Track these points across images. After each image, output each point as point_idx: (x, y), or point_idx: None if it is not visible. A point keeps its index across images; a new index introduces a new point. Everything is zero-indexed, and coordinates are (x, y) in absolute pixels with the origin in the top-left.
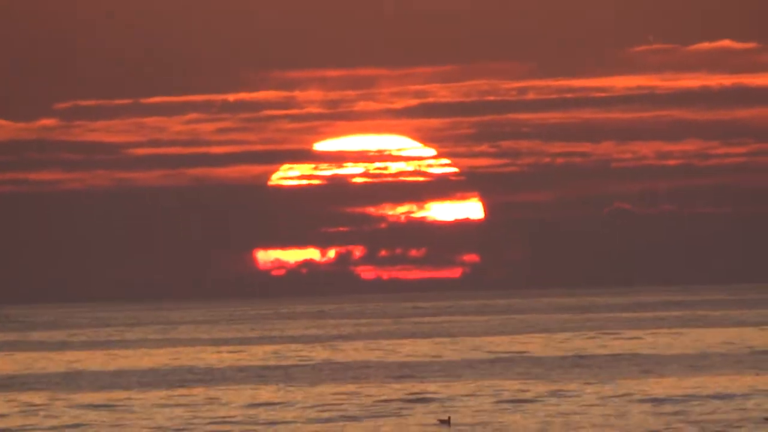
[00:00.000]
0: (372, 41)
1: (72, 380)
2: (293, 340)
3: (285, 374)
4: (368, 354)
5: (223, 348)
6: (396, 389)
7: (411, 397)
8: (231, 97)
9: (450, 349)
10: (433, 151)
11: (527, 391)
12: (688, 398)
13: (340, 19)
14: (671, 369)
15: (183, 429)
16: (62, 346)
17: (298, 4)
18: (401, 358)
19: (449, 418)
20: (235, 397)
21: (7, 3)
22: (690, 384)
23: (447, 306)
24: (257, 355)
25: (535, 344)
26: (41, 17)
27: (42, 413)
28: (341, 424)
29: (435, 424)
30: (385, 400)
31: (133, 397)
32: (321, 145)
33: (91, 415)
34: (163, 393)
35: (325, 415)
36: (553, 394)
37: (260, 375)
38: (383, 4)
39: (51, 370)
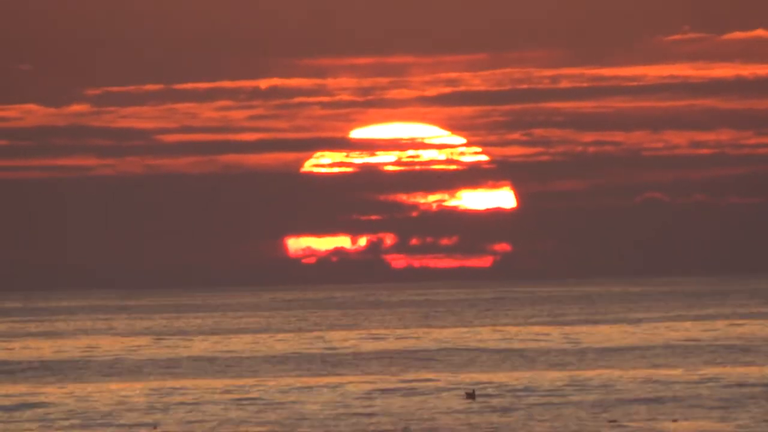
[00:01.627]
0: (404, 29)
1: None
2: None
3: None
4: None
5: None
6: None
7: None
8: (263, 84)
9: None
10: (465, 140)
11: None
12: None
13: (372, 7)
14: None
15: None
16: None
17: None
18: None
19: (474, 391)
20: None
21: None
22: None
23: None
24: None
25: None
26: (72, 2)
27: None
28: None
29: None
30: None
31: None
32: (353, 133)
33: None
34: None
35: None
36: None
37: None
38: None
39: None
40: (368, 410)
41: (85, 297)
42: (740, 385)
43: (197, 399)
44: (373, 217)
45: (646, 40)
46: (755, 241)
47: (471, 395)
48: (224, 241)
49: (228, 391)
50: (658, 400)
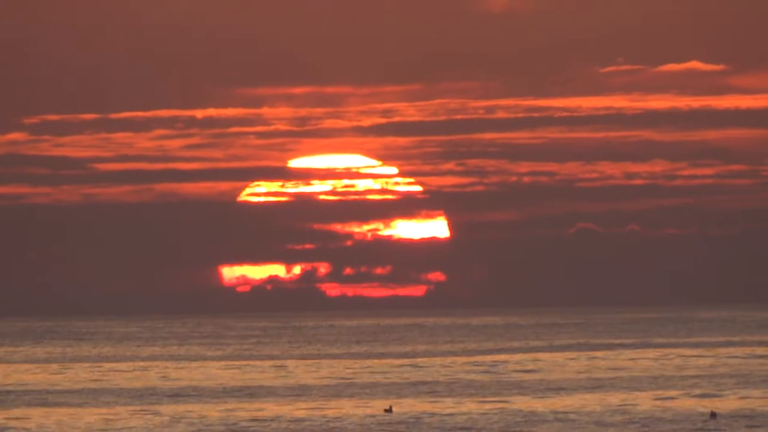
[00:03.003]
0: (340, 59)
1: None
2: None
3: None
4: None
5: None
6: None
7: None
8: (199, 114)
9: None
10: (399, 170)
11: None
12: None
13: (308, 37)
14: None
15: None
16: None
17: (265, 21)
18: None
19: (390, 407)
20: None
21: None
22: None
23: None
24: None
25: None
26: (8, 30)
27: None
28: None
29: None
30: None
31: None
32: (289, 163)
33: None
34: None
35: None
36: None
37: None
38: (352, 21)
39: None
40: None
41: (10, 325)
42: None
43: None
44: (308, 246)
45: (580, 72)
46: (688, 272)
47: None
48: (158, 269)
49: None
50: None
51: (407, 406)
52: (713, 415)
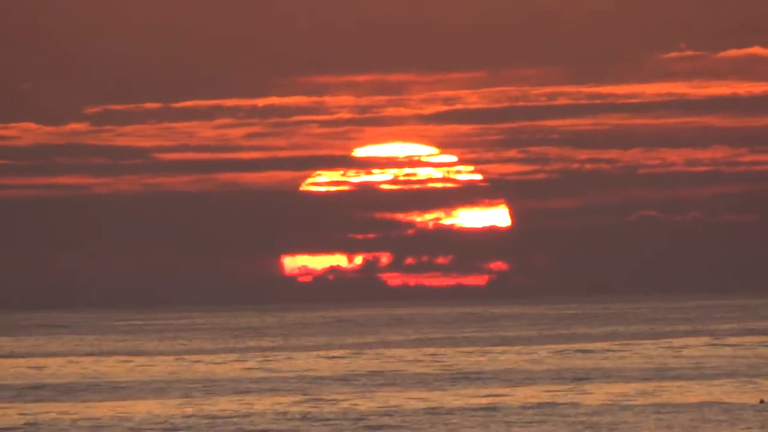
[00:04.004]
0: (403, 46)
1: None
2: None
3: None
4: None
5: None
6: None
7: None
8: (260, 102)
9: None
10: (461, 158)
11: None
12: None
13: (371, 24)
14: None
15: None
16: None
17: (328, 8)
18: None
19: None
20: None
21: (38, 5)
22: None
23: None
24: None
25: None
26: (72, 21)
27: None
28: None
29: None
30: None
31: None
32: (350, 152)
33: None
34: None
35: None
36: None
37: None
38: (414, 10)
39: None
40: None
41: (92, 314)
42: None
43: None
44: (370, 236)
45: (642, 58)
46: (752, 259)
47: None
48: (219, 259)
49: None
50: None
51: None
52: (762, 402)
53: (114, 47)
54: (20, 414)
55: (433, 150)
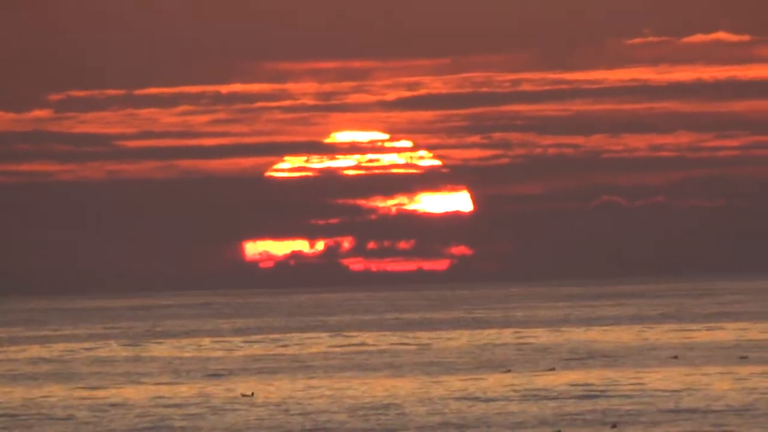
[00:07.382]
0: (366, 33)
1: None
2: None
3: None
4: None
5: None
6: None
7: None
8: (224, 89)
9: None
10: (424, 144)
11: None
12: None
13: (333, 11)
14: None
15: None
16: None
17: None
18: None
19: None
20: None
21: None
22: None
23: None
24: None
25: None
26: (34, 7)
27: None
28: None
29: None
30: None
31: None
32: (314, 138)
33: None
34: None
35: None
36: None
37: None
38: None
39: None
40: None
41: (53, 300)
42: None
43: None
44: (332, 221)
45: (606, 44)
46: (713, 243)
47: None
48: (182, 245)
49: None
50: None
51: None
52: None
53: (76, 33)
54: None
55: (396, 136)
